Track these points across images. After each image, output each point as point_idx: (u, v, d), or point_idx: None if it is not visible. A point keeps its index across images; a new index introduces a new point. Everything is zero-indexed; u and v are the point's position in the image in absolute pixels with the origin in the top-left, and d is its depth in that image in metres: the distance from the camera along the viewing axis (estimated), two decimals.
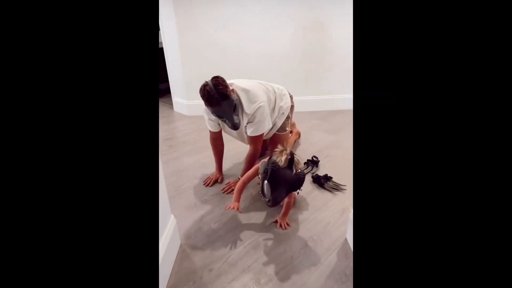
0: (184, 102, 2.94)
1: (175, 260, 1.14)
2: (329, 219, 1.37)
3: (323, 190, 1.61)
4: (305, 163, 1.87)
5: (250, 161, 1.59)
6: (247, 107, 1.46)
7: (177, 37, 2.64)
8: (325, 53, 2.73)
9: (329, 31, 2.63)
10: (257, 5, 2.52)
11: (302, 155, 1.92)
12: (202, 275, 1.08)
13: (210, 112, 1.44)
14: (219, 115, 1.39)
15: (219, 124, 1.58)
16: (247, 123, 1.51)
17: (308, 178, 1.73)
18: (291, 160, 1.19)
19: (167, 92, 3.40)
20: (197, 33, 2.63)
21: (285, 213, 1.32)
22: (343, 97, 2.84)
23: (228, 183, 1.64)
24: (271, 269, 1.09)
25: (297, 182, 1.22)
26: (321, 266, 1.11)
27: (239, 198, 1.31)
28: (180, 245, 1.22)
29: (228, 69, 2.62)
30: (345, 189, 1.59)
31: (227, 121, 1.40)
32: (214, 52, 2.70)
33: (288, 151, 1.21)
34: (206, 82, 1.35)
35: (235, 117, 1.38)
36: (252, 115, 1.47)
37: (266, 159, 1.29)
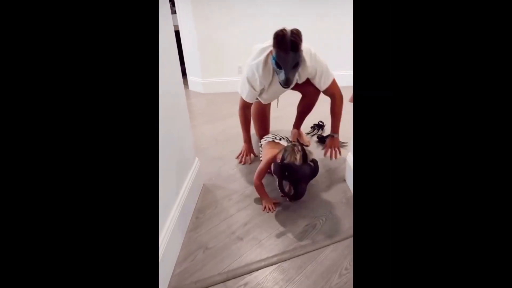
0: (200, 80, 3.16)
1: (199, 194, 1.38)
2: (330, 166, 1.58)
3: None
4: (311, 127, 2.06)
5: (340, 111, 1.58)
6: (308, 57, 1.40)
7: (193, 19, 2.85)
8: (333, 33, 2.88)
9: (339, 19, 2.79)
10: None
11: (309, 121, 2.11)
12: (222, 202, 1.31)
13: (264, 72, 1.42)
14: (278, 64, 1.31)
15: (257, 98, 1.61)
16: (307, 79, 1.49)
17: (313, 139, 1.94)
18: (304, 155, 1.20)
19: (182, 74, 3.63)
20: (212, 16, 2.83)
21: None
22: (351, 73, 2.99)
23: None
24: (280, 198, 1.31)
25: (315, 172, 1.25)
26: (321, 197, 1.32)
27: (267, 194, 1.30)
28: (203, 185, 1.46)
29: (243, 48, 2.83)
30: (347, 145, 1.78)
31: (282, 73, 1.31)
32: (229, 33, 2.90)
33: (299, 147, 1.22)
34: (285, 28, 1.27)
35: (291, 74, 1.32)
36: (312, 66, 1.42)
37: (276, 156, 1.27)
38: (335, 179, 1.47)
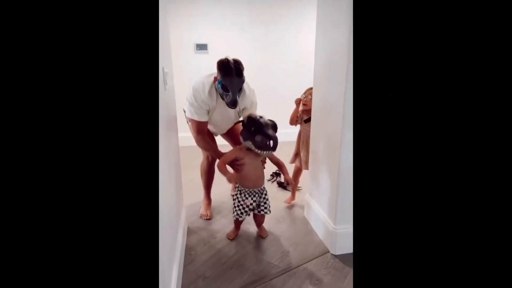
0: None
1: (186, 235, 1.57)
2: (290, 206, 1.94)
3: (285, 191, 2.19)
4: (271, 175, 2.45)
5: None
6: (247, 89, 1.58)
7: None
8: (281, 67, 3.53)
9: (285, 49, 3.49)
10: None
11: (267, 170, 2.50)
12: (209, 240, 1.53)
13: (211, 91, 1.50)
14: (225, 87, 1.43)
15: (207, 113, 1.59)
16: (243, 108, 1.62)
17: (274, 185, 2.31)
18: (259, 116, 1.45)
19: None
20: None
21: (287, 171, 1.56)
22: None
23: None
24: (252, 229, 1.59)
25: (274, 124, 1.45)
26: (288, 231, 1.65)
27: (228, 171, 1.48)
28: (188, 227, 1.65)
29: None
30: (301, 189, 2.19)
31: (229, 94, 1.44)
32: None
33: (252, 113, 1.51)
34: (227, 57, 1.45)
35: (237, 95, 1.46)
36: (250, 97, 1.60)
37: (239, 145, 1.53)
38: (296, 215, 1.82)
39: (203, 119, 1.55)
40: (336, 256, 1.42)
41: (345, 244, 1.43)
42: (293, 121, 1.94)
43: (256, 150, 1.39)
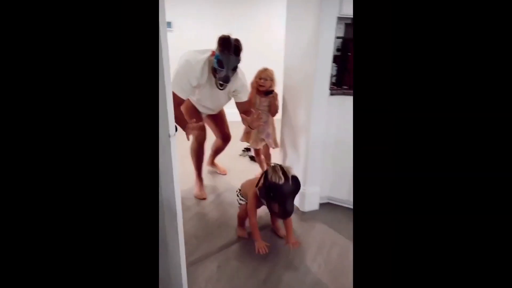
0: None
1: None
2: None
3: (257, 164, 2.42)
4: (242, 150, 2.65)
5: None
6: (240, 72, 1.60)
7: None
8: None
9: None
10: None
11: (240, 146, 2.69)
12: (194, 207, 1.70)
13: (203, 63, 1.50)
14: (221, 63, 1.44)
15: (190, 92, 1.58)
16: (234, 90, 1.63)
17: (246, 158, 2.52)
18: (284, 172, 1.24)
19: None
20: None
21: (291, 232, 1.37)
22: None
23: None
24: (232, 196, 1.81)
25: (297, 187, 1.28)
26: None
27: (260, 236, 1.35)
28: None
29: None
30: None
31: (224, 70, 1.45)
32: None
33: (278, 167, 1.27)
34: (229, 34, 1.47)
35: (230, 73, 1.47)
36: (240, 79, 1.62)
37: (255, 180, 1.38)
38: None
39: (182, 95, 1.51)
40: (304, 212, 1.71)
41: (312, 202, 1.72)
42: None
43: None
